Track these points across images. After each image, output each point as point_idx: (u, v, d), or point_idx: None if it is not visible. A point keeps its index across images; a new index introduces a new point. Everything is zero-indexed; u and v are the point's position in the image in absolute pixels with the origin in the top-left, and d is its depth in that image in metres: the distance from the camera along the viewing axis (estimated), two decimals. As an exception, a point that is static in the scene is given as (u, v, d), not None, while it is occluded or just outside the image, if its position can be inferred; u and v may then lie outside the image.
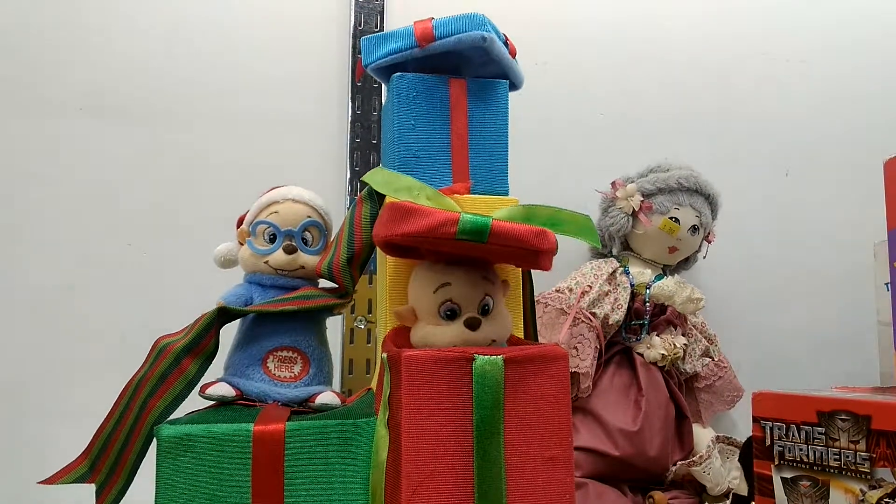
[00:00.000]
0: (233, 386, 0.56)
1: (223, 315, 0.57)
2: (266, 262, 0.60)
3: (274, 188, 0.63)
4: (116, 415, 0.55)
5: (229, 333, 0.60)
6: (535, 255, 0.48)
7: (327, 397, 0.58)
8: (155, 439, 0.50)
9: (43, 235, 0.86)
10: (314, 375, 0.59)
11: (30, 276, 0.85)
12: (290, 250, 0.60)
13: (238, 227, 0.64)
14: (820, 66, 1.08)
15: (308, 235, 0.62)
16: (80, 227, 0.86)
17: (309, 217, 0.62)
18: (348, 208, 0.67)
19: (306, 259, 0.61)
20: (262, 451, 0.50)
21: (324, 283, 0.63)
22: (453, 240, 0.46)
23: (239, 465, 0.50)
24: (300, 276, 0.61)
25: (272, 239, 0.61)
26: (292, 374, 0.58)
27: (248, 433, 0.50)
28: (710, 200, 0.88)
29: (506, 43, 0.63)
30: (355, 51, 0.93)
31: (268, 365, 0.58)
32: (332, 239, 0.63)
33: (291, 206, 0.61)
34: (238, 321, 0.60)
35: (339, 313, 0.64)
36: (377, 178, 0.55)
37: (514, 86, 0.67)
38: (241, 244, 0.62)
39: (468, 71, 0.64)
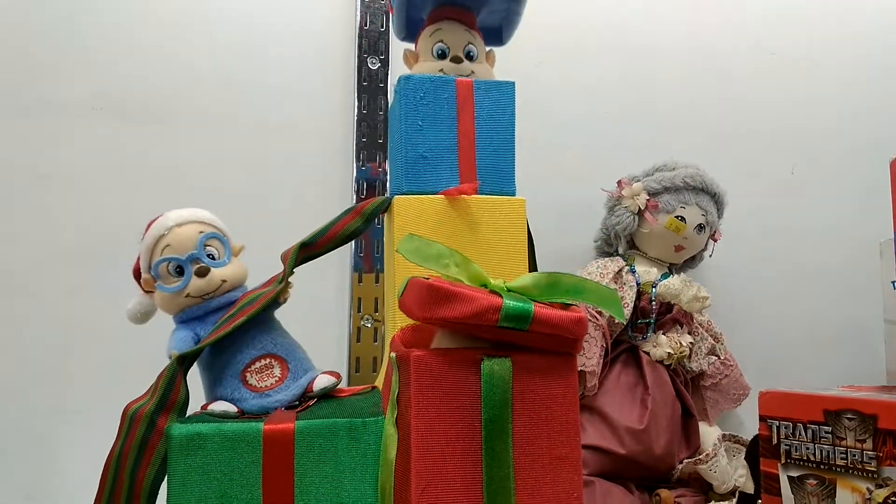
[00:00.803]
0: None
1: (183, 362, 0.55)
2: (187, 295, 0.58)
3: (148, 225, 0.60)
4: (106, 493, 0.53)
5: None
6: (572, 342, 0.48)
7: (323, 381, 0.58)
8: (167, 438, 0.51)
9: (44, 236, 0.86)
10: (296, 368, 0.59)
11: (30, 276, 0.85)
12: (202, 273, 0.58)
13: (136, 278, 0.61)
14: (826, 65, 1.08)
15: (211, 250, 0.59)
16: (81, 228, 0.86)
17: (201, 232, 0.59)
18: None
19: (223, 272, 0.59)
20: (273, 450, 0.51)
21: (250, 281, 0.62)
22: (494, 327, 0.45)
23: (250, 464, 0.50)
24: (228, 290, 0.59)
25: (179, 271, 0.58)
26: (277, 378, 0.57)
27: (259, 432, 0.51)
28: (716, 199, 0.88)
29: None
30: (361, 50, 0.93)
31: (250, 382, 0.57)
32: (234, 244, 0.62)
33: (179, 232, 0.59)
34: (196, 363, 0.58)
35: (285, 300, 0.61)
36: (407, 246, 0.53)
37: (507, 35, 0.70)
38: (150, 292, 0.60)
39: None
